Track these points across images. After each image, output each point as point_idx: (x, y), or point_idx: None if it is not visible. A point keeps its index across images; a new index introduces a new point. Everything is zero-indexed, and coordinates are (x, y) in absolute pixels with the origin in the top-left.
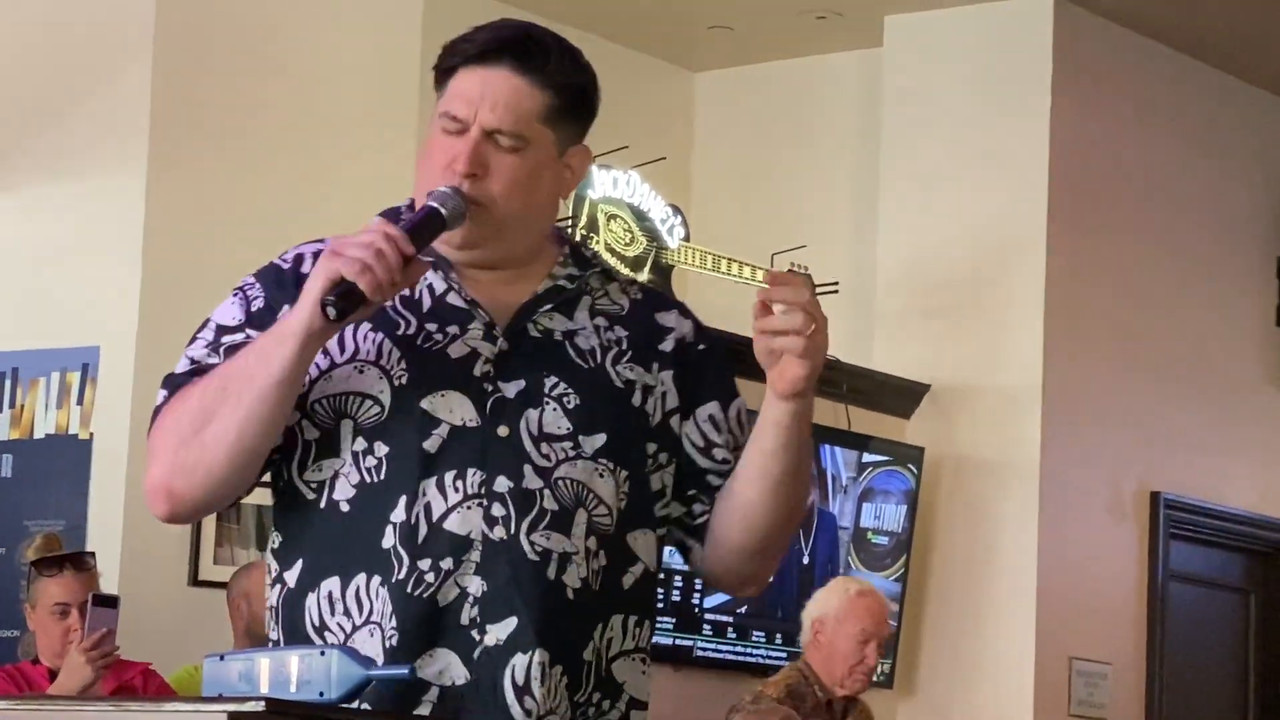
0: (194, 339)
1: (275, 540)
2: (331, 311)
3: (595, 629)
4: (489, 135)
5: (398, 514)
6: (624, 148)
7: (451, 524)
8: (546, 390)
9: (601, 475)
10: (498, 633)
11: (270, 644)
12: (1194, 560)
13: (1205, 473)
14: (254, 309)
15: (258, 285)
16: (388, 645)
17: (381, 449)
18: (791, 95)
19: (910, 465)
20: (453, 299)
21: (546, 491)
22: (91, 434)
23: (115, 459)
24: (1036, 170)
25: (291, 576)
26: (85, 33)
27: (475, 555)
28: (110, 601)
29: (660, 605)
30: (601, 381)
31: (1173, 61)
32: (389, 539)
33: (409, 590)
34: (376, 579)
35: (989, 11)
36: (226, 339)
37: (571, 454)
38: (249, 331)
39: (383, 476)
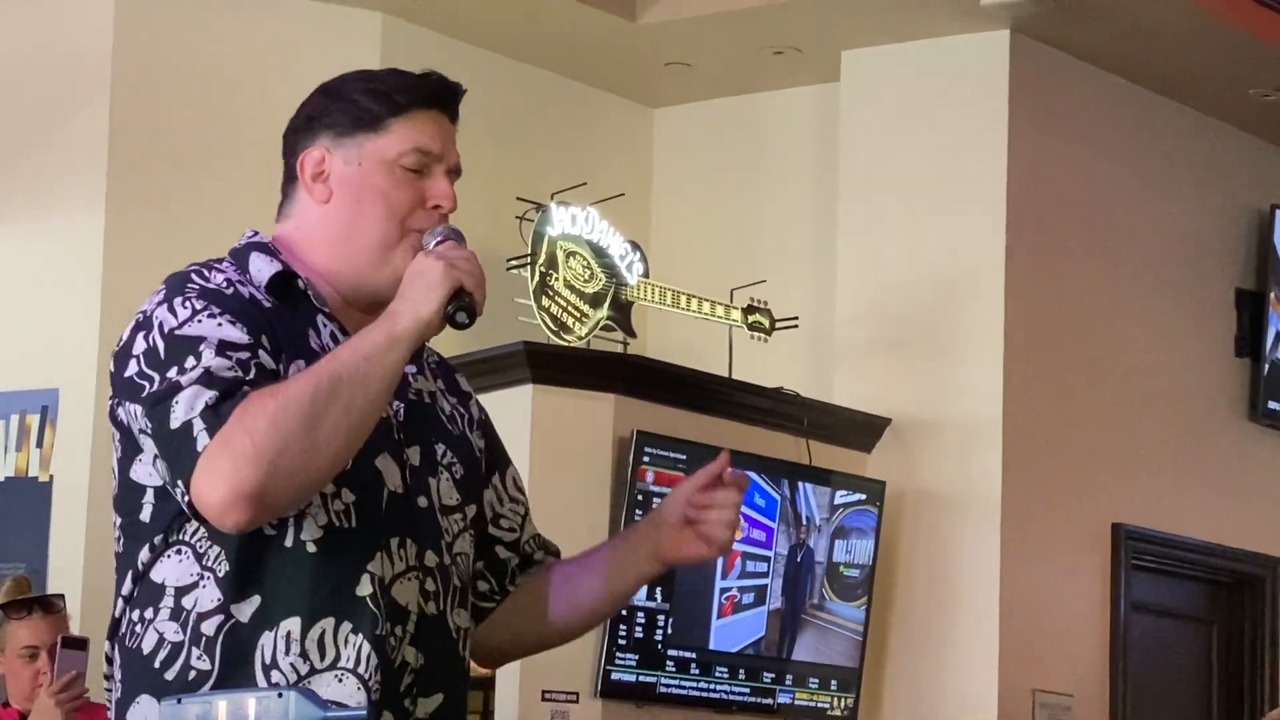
0: (187, 352)
1: (221, 567)
2: (464, 318)
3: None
4: (448, 174)
5: (376, 566)
6: (583, 184)
7: (395, 592)
8: (439, 458)
9: (471, 546)
10: (427, 706)
11: (191, 674)
12: (1156, 591)
13: (1167, 504)
14: (252, 332)
15: (216, 308)
16: (374, 698)
17: (349, 496)
18: (750, 130)
19: (872, 500)
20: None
21: (453, 568)
22: (51, 476)
23: (76, 501)
24: (995, 203)
25: (243, 611)
26: (42, 74)
27: (410, 627)
28: (79, 644)
29: (623, 641)
30: (469, 451)
31: (1129, 94)
32: (365, 588)
33: (385, 649)
34: (348, 625)
35: (946, 45)
36: (237, 355)
37: (460, 527)
38: (260, 355)
39: (353, 524)
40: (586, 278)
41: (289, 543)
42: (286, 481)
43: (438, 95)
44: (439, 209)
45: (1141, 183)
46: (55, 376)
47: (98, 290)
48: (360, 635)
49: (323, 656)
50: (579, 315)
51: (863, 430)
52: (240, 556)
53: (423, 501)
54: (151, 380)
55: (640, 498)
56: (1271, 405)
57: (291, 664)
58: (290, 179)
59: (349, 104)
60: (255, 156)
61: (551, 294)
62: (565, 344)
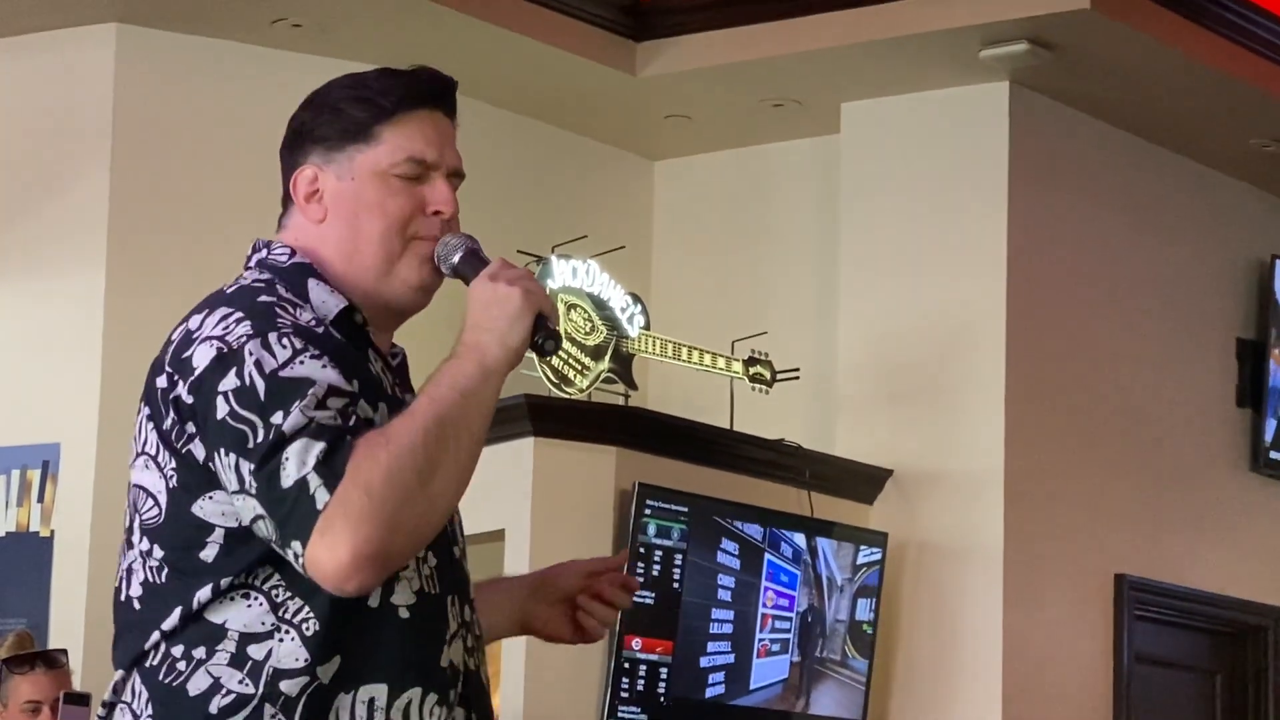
0: (293, 397)
1: (308, 625)
2: (551, 345)
3: None
4: (448, 178)
5: (450, 633)
6: (583, 237)
7: (452, 652)
8: None
9: None
10: None
11: None
12: (1159, 642)
13: (1169, 554)
14: (348, 377)
15: (315, 348)
16: None
17: (433, 559)
18: (750, 182)
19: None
20: (387, 377)
21: (477, 616)
22: (53, 531)
23: (77, 556)
24: (995, 254)
25: (325, 671)
26: (44, 133)
27: (460, 687)
28: (82, 700)
29: (625, 695)
30: None
31: (1130, 145)
32: (445, 658)
33: (453, 715)
34: (433, 697)
35: (945, 97)
36: (337, 402)
37: (468, 570)
38: (359, 403)
39: (438, 589)
40: (587, 330)
41: (374, 603)
42: (407, 537)
43: (430, 93)
44: (439, 214)
45: (1142, 233)
46: (56, 431)
47: (99, 346)
48: (444, 709)
49: None
50: (580, 368)
51: (864, 482)
52: (331, 615)
53: (457, 551)
54: (253, 426)
55: (642, 550)
56: (1273, 455)
57: None
58: (287, 194)
59: (335, 114)
60: (256, 216)
61: None
62: (566, 396)
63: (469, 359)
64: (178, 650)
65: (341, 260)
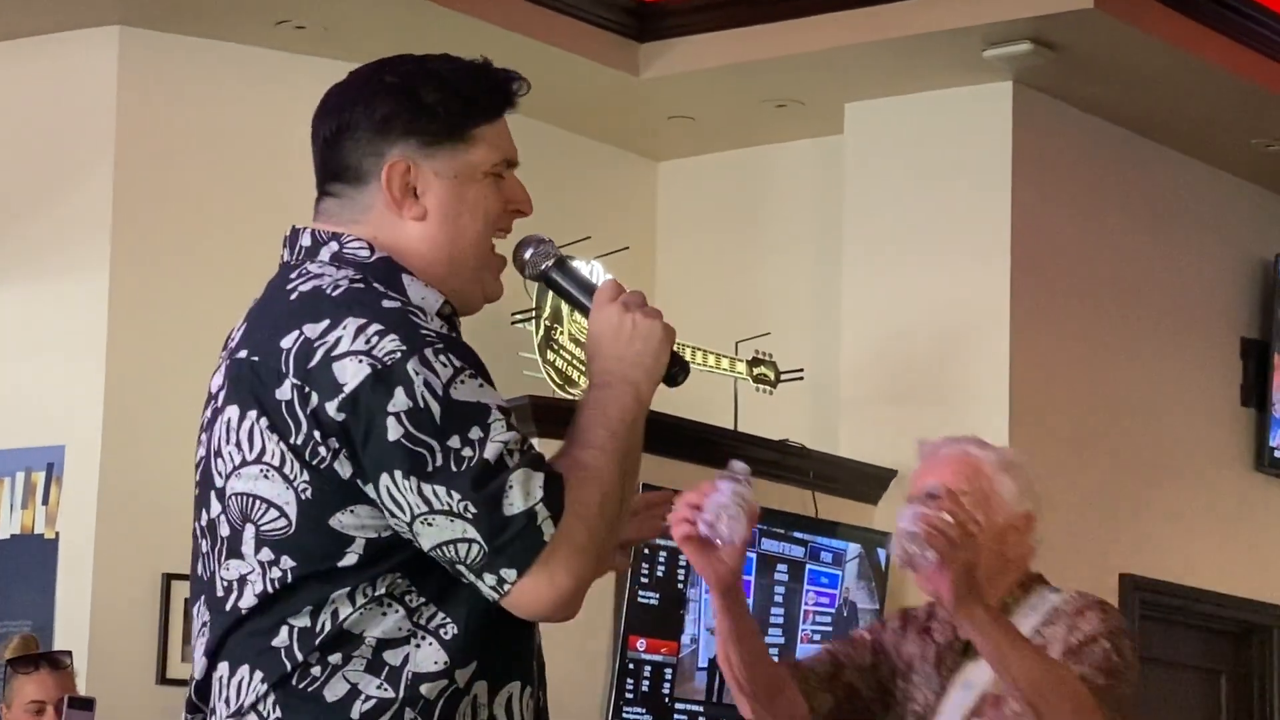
0: (472, 421)
1: (446, 630)
2: (683, 378)
3: None
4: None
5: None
6: (587, 238)
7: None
8: None
9: None
10: None
11: None
12: (1164, 642)
13: (1173, 554)
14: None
15: (470, 367)
16: None
17: None
18: (753, 183)
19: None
20: None
21: None
22: (57, 533)
23: (81, 558)
24: (999, 254)
25: (462, 675)
26: (47, 136)
27: (537, 667)
28: (86, 704)
29: (630, 695)
30: None
31: (1133, 144)
32: (535, 640)
33: (540, 704)
34: (528, 687)
35: (948, 97)
36: (512, 426)
37: None
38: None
39: None
40: None
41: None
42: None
43: (512, 97)
44: (520, 213)
45: (1145, 233)
46: (61, 434)
47: (103, 348)
48: (533, 700)
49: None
50: (583, 368)
51: (868, 482)
52: (471, 621)
53: None
54: (430, 450)
55: (647, 551)
56: (1278, 454)
57: None
58: (352, 181)
59: (428, 111)
60: (260, 215)
61: (556, 348)
62: (570, 397)
63: (626, 392)
64: (312, 657)
65: (442, 261)
